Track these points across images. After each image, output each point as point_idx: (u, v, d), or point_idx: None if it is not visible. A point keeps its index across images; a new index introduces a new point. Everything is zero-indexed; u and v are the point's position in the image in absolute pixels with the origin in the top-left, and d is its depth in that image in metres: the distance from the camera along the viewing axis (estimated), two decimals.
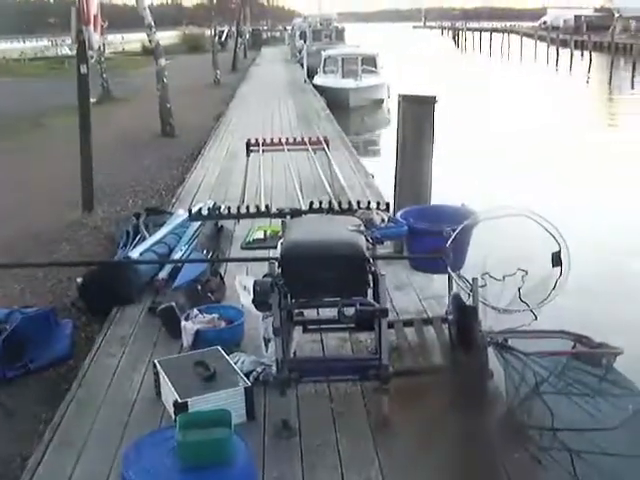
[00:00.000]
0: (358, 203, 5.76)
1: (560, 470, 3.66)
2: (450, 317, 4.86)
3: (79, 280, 6.66)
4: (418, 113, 7.41)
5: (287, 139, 9.98)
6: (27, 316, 5.71)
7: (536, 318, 4.48)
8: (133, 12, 20.18)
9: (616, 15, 68.78)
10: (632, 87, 34.58)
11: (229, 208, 6.38)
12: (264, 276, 4.26)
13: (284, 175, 10.59)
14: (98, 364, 5.41)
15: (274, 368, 4.58)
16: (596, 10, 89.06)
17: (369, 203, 5.72)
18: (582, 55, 51.95)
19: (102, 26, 9.95)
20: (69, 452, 4.27)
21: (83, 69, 9.49)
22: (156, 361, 4.80)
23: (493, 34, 76.18)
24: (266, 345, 4.98)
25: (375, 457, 4.07)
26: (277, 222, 6.45)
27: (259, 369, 4.87)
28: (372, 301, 4.33)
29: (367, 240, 4.44)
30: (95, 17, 9.30)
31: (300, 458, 4.09)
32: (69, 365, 5.71)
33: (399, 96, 7.64)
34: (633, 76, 36.88)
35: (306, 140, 9.88)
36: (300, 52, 43.36)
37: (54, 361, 5.70)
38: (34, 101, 24.27)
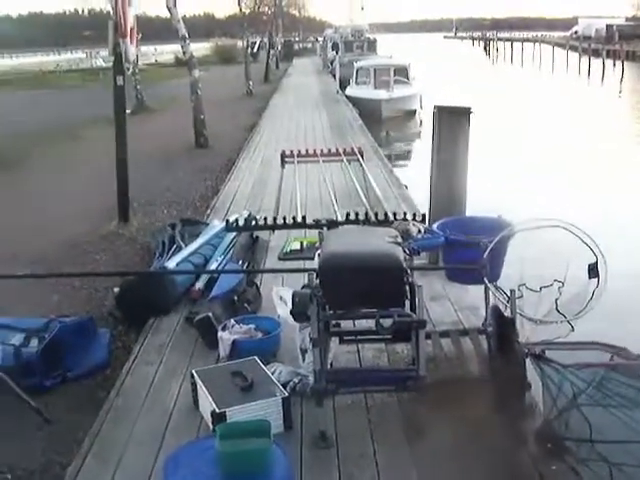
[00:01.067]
0: (394, 214, 5.78)
1: None
2: (489, 329, 4.85)
3: (116, 290, 6.72)
4: (453, 124, 7.40)
5: (322, 150, 10.00)
6: (65, 325, 5.75)
7: (573, 329, 4.47)
8: (166, 23, 20.32)
9: None
10: None
11: (265, 219, 6.43)
12: (302, 287, 4.28)
13: (318, 186, 10.62)
14: (136, 373, 5.45)
15: (311, 379, 4.60)
16: (628, 19, 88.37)
17: (405, 214, 5.74)
18: (614, 65, 51.57)
19: (137, 38, 10.04)
20: (108, 461, 4.30)
21: (119, 81, 9.57)
22: (194, 371, 4.83)
23: (524, 44, 75.88)
24: (303, 356, 5.00)
25: (413, 468, 4.06)
26: (313, 233, 6.48)
27: (296, 379, 4.87)
28: (410, 312, 4.34)
29: (404, 251, 4.45)
30: (132, 30, 9.39)
31: (338, 469, 4.09)
32: (106, 374, 5.76)
33: (434, 107, 7.64)
34: None
35: (340, 151, 9.90)
36: (332, 63, 43.47)
37: (92, 370, 5.75)
38: (70, 112, 24.54)
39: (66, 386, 5.52)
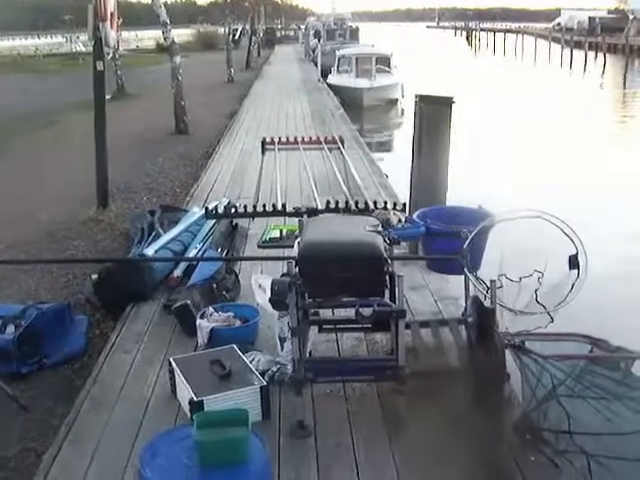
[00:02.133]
0: (375, 203, 5.73)
1: (576, 474, 3.65)
2: (469, 319, 4.84)
3: (94, 277, 6.66)
4: (435, 113, 7.38)
5: (302, 138, 9.93)
6: (42, 312, 5.71)
7: (552, 320, 4.46)
8: (147, 9, 20.20)
9: (630, 17, 68.59)
10: None
11: (245, 206, 6.36)
12: (282, 275, 4.26)
13: (299, 174, 10.60)
14: (113, 361, 5.41)
15: (289, 367, 4.59)
16: (610, 12, 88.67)
17: (386, 203, 5.69)
18: (596, 57, 51.77)
19: (118, 23, 9.95)
20: (84, 448, 4.27)
21: (99, 66, 9.50)
22: (171, 359, 4.79)
23: (507, 35, 76.02)
24: (281, 344, 4.98)
25: (391, 458, 4.05)
26: (293, 221, 6.44)
27: (274, 368, 4.86)
28: (389, 302, 4.33)
29: (384, 240, 4.43)
30: (112, 14, 9.31)
31: (315, 458, 4.08)
32: (83, 361, 5.72)
33: (416, 96, 7.61)
34: None
35: (321, 139, 9.84)
36: (314, 51, 43.38)
37: (69, 357, 5.73)
38: (49, 97, 24.40)
39: (43, 373, 5.49)
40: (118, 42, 14.37)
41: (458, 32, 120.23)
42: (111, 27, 9.34)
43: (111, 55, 10.35)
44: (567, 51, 53.75)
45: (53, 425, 4.74)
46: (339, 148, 9.51)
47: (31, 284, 7.22)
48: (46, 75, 35.87)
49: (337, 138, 9.75)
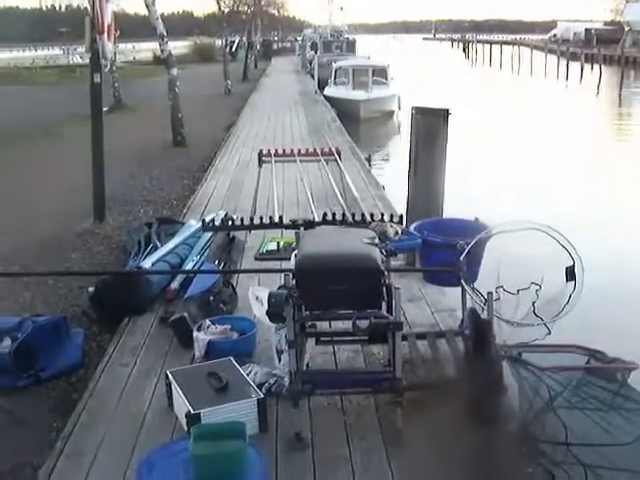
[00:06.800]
0: (371, 215, 5.73)
1: None
2: (466, 331, 4.84)
3: (90, 289, 6.66)
4: (431, 125, 7.39)
5: (299, 150, 9.94)
6: (39, 324, 5.72)
7: (550, 332, 4.47)
8: (144, 21, 20.21)
9: (626, 28, 68.86)
10: None
11: (242, 219, 6.36)
12: (279, 287, 4.25)
13: (296, 186, 10.60)
14: (110, 374, 5.39)
15: (287, 380, 4.58)
16: (606, 23, 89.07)
17: (382, 215, 5.70)
18: (592, 68, 51.90)
19: (115, 35, 9.97)
20: (81, 462, 4.25)
21: (96, 78, 9.52)
22: (168, 372, 4.79)
23: (503, 46, 76.11)
24: (279, 357, 4.98)
25: (388, 470, 4.04)
26: (290, 233, 6.45)
27: (271, 381, 4.85)
28: (386, 314, 4.33)
29: (381, 253, 4.44)
30: (109, 26, 9.32)
31: (313, 471, 4.06)
32: (80, 375, 5.70)
33: (412, 108, 7.63)
34: None
35: (318, 151, 9.85)
36: (311, 63, 43.38)
37: (65, 370, 5.71)
38: (46, 110, 24.40)
39: (39, 386, 5.47)
40: (115, 54, 14.41)
41: (455, 44, 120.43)
42: (108, 39, 9.35)
43: (108, 67, 10.29)
44: (563, 62, 53.89)
45: (50, 439, 4.72)
46: (336, 160, 9.53)
47: (27, 297, 7.20)
48: (43, 87, 35.88)
49: (334, 150, 9.76)
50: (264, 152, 9.64)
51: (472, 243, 4.84)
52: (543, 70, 54.34)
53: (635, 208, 13.25)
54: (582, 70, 48.91)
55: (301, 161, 9.60)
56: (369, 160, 15.50)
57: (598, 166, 18.05)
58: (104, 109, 10.89)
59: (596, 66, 50.44)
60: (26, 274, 7.61)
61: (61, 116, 21.58)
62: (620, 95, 36.86)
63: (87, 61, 10.13)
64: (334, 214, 5.74)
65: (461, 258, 4.74)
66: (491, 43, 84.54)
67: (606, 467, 3.62)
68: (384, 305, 4.38)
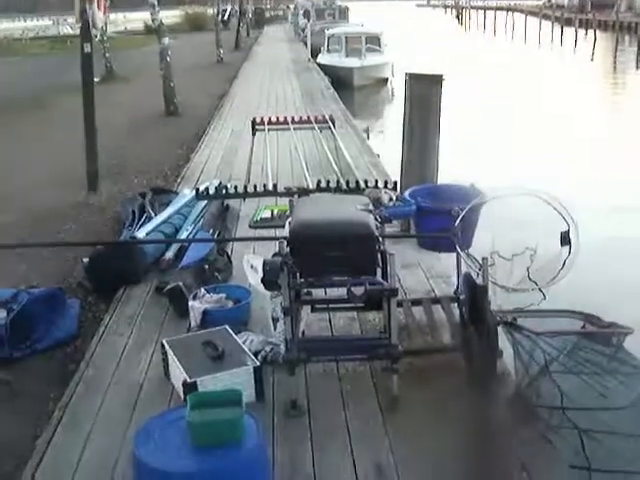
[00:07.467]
0: (366, 182, 5.75)
1: (569, 449, 3.65)
2: (461, 297, 4.84)
3: (85, 260, 6.64)
4: (425, 91, 7.35)
5: (293, 118, 9.92)
6: (34, 296, 5.71)
7: (545, 297, 4.46)
8: None
9: None
10: (637, 67, 34.34)
11: (236, 187, 6.37)
12: (273, 255, 4.25)
13: (290, 154, 10.57)
14: (106, 344, 5.40)
15: (282, 347, 4.59)
16: None
17: (377, 182, 5.71)
18: (586, 34, 51.58)
19: (105, 5, 9.89)
20: (78, 432, 4.26)
21: (87, 48, 9.44)
22: (164, 341, 4.79)
23: (497, 12, 75.60)
24: (274, 324, 4.98)
25: (385, 436, 4.06)
26: (284, 201, 6.43)
27: (267, 349, 4.85)
28: (381, 280, 4.32)
29: (376, 219, 4.43)
30: None
31: (310, 437, 4.08)
32: (76, 345, 5.70)
33: (406, 74, 7.58)
34: (638, 55, 36.56)
35: (312, 119, 9.83)
36: (303, 31, 43.03)
37: (61, 341, 5.71)
38: (37, 80, 24.25)
39: (35, 357, 5.46)
40: (106, 24, 14.33)
41: (448, 10, 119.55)
42: (98, 9, 9.29)
43: (99, 37, 10.23)
44: (557, 28, 53.57)
45: (47, 409, 4.72)
46: (330, 127, 9.51)
47: (22, 268, 7.18)
48: (33, 58, 35.64)
49: (327, 117, 9.74)
50: (257, 120, 9.62)
51: (466, 209, 4.84)
52: (537, 36, 54.03)
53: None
54: (576, 35, 48.58)
55: (295, 129, 9.58)
56: (367, 132, 15.37)
57: (592, 129, 18.04)
58: (95, 79, 10.81)
59: (590, 32, 50.18)
60: (20, 245, 7.58)
61: (52, 87, 21.43)
62: (615, 61, 36.69)
63: (77, 31, 10.03)
64: (328, 181, 5.75)
65: (456, 224, 4.73)
66: (485, 9, 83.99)
67: (602, 431, 3.62)
68: (379, 272, 4.38)
